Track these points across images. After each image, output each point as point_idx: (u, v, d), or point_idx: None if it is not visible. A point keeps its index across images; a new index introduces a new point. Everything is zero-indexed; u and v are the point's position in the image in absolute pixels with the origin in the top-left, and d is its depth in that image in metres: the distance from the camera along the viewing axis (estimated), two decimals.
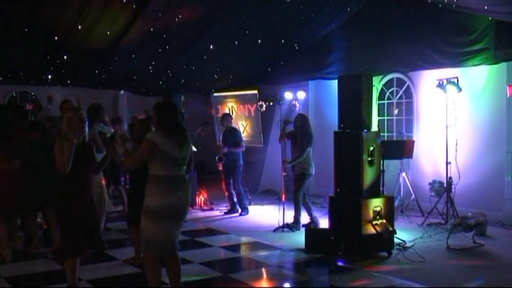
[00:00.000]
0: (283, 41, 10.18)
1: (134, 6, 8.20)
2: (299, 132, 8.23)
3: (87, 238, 4.88)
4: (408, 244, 6.87)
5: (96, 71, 10.70)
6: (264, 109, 11.07)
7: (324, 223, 7.82)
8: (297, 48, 10.65)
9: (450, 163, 8.33)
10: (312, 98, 11.49)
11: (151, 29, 8.91)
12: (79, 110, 5.05)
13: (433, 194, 8.52)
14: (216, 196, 10.33)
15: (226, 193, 9.55)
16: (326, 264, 6.34)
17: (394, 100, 10.12)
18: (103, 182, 6.82)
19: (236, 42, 9.80)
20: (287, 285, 5.84)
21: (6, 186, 6.12)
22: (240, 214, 9.36)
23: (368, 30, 9.73)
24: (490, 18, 7.84)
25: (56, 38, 8.73)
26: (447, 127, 8.40)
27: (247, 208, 9.51)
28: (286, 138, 8.31)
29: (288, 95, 10.78)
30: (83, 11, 8.10)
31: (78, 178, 4.85)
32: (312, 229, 7.35)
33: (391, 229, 6.50)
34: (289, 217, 8.13)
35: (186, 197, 4.61)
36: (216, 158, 9.39)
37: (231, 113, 12.45)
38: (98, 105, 8.04)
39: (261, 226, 8.44)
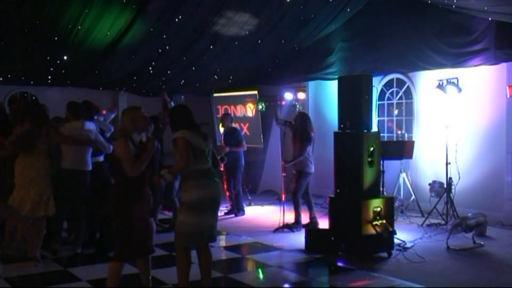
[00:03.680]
0: (283, 41, 10.18)
1: (134, 6, 8.20)
2: (299, 130, 8.24)
3: (141, 243, 4.80)
4: (408, 245, 6.87)
5: (96, 72, 10.69)
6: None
7: (324, 223, 7.82)
8: (297, 48, 10.65)
9: (450, 163, 8.33)
10: (312, 98, 11.50)
11: (151, 29, 8.91)
12: (140, 108, 4.91)
13: (433, 194, 8.52)
14: None
15: (228, 193, 9.55)
16: (326, 264, 6.34)
17: (394, 101, 10.12)
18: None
19: (236, 42, 9.80)
20: (287, 285, 5.84)
21: None
22: (236, 215, 9.35)
23: (368, 31, 9.74)
24: (490, 19, 7.84)
25: (56, 38, 8.73)
26: (447, 127, 8.40)
27: (243, 210, 9.51)
28: (279, 123, 8.55)
29: (288, 95, 10.78)
30: (83, 11, 8.10)
31: (137, 180, 4.69)
32: (312, 230, 7.36)
33: (391, 229, 6.50)
34: (289, 217, 8.13)
35: (219, 188, 4.88)
36: (218, 158, 9.38)
37: (231, 113, 12.45)
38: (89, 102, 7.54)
39: (261, 226, 8.43)
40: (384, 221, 6.43)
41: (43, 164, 6.08)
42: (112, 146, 7.01)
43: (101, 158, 7.06)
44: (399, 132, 9.78)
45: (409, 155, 9.04)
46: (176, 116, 4.87)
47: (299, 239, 7.23)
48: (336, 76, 9.34)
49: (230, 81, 12.29)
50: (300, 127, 8.23)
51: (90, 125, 6.67)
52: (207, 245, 4.93)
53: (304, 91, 11.13)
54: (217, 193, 4.84)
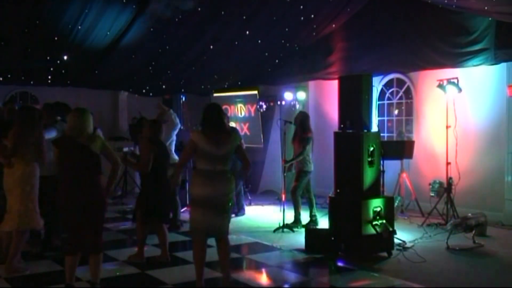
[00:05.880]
0: (283, 41, 10.18)
1: (134, 6, 8.20)
2: (299, 130, 8.26)
3: (80, 239, 4.95)
4: (408, 245, 6.87)
5: (96, 72, 10.70)
6: (264, 109, 11.06)
7: (324, 223, 7.82)
8: (297, 48, 10.65)
9: (450, 163, 8.33)
10: (312, 98, 11.50)
11: (151, 29, 8.91)
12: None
13: (433, 194, 8.52)
14: None
15: None
16: (326, 264, 6.33)
17: (394, 101, 10.12)
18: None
19: (236, 42, 9.80)
20: (287, 285, 5.84)
21: None
22: (236, 215, 9.35)
23: (368, 30, 9.74)
24: (490, 19, 7.84)
25: (56, 38, 8.73)
26: (447, 127, 8.40)
27: (243, 209, 9.50)
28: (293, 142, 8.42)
29: (288, 95, 10.78)
30: (83, 11, 8.10)
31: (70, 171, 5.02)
32: (312, 229, 7.36)
33: (391, 229, 6.50)
34: (289, 217, 8.14)
35: (222, 189, 5.00)
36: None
37: (231, 113, 12.47)
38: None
39: (261, 226, 8.43)
40: (384, 221, 6.43)
41: (22, 173, 5.81)
42: None
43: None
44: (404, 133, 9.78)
45: (409, 155, 9.05)
46: (203, 115, 5.11)
47: (299, 239, 7.23)
48: (336, 76, 9.34)
49: (230, 81, 12.29)
50: (300, 126, 8.25)
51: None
52: (222, 241, 5.16)
53: (304, 91, 11.12)
54: (215, 194, 4.95)
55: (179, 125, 8.48)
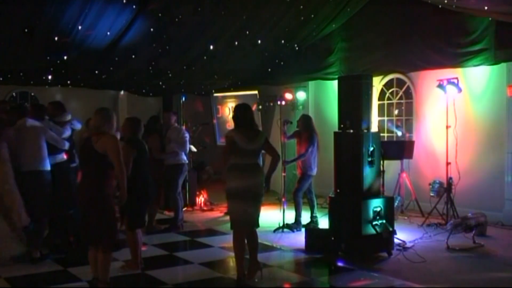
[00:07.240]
0: (283, 41, 10.18)
1: (134, 6, 8.20)
2: (303, 133, 8.27)
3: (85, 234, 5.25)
4: (408, 245, 6.87)
5: (96, 72, 10.68)
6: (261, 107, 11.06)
7: (324, 223, 7.82)
8: (297, 48, 10.65)
9: (450, 163, 8.33)
10: (312, 98, 11.50)
11: (151, 29, 8.90)
12: None
13: (433, 194, 8.51)
14: (216, 197, 10.32)
15: None
16: (326, 264, 6.33)
17: (394, 101, 10.12)
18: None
19: (236, 42, 9.80)
20: (287, 285, 5.84)
21: None
22: None
23: (368, 31, 9.75)
24: (490, 19, 7.85)
25: (56, 38, 8.72)
26: (447, 127, 8.40)
27: None
28: (288, 138, 8.38)
29: (288, 95, 10.77)
30: (83, 11, 8.09)
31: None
32: (312, 229, 7.36)
33: (391, 229, 6.50)
34: (289, 217, 8.14)
35: (256, 181, 5.38)
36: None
37: (231, 113, 12.47)
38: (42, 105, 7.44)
39: (261, 226, 8.36)
40: (384, 221, 6.43)
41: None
42: (67, 143, 6.76)
43: (60, 158, 6.70)
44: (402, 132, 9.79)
45: (409, 155, 9.05)
46: (235, 115, 5.53)
47: (299, 239, 7.23)
48: (336, 76, 9.35)
49: (230, 81, 12.29)
50: (303, 129, 8.24)
51: (35, 122, 6.42)
52: (252, 233, 5.47)
53: (304, 91, 11.12)
54: (250, 185, 5.29)
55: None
